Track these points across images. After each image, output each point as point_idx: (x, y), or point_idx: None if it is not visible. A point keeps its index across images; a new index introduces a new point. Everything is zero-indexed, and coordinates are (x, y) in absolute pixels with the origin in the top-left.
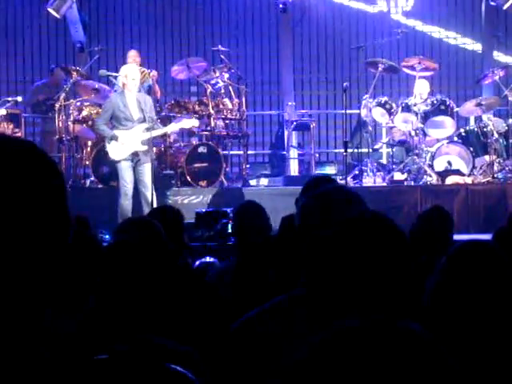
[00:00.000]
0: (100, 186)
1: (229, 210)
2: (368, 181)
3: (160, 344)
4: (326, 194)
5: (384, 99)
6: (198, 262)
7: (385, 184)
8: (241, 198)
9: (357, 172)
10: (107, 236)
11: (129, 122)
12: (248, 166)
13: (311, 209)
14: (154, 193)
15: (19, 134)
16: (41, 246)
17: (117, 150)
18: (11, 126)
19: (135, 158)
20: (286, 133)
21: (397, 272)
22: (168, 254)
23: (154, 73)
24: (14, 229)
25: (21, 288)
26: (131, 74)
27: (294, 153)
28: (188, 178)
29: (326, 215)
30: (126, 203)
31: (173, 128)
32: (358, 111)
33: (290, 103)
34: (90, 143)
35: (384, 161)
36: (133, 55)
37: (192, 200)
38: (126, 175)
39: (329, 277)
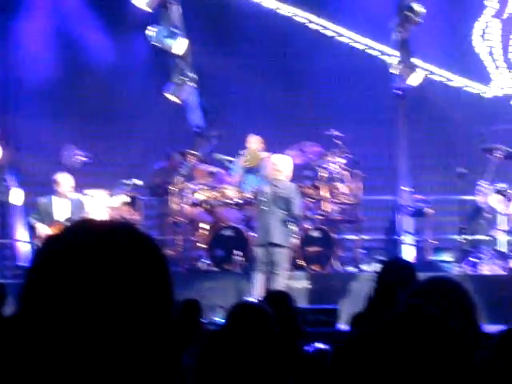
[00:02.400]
0: (214, 268)
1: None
2: (485, 269)
3: None
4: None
5: (502, 186)
6: (310, 348)
7: (503, 273)
8: (353, 283)
9: (473, 259)
10: (219, 319)
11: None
12: (361, 251)
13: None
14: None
15: (137, 217)
16: (146, 329)
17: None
18: (129, 209)
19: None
20: (400, 218)
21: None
22: (277, 340)
23: (268, 155)
24: (122, 314)
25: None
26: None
27: (409, 239)
28: (301, 261)
29: None
30: (260, 288)
31: None
32: (474, 197)
33: (406, 188)
34: (205, 226)
35: (502, 248)
36: (256, 140)
37: (304, 285)
38: (262, 261)
39: None
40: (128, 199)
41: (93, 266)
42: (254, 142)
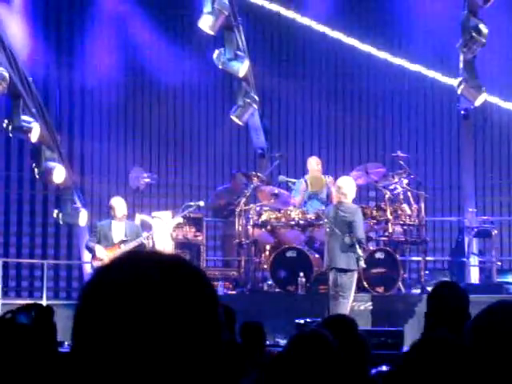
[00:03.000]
0: (278, 290)
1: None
2: None
3: None
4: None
5: None
6: (373, 371)
7: None
8: (418, 305)
9: None
10: (283, 341)
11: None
12: (427, 272)
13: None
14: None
15: (200, 238)
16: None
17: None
18: (193, 230)
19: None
20: (466, 239)
21: None
22: (340, 366)
23: (331, 178)
24: (167, 352)
25: None
26: (341, 185)
27: (474, 260)
28: (365, 283)
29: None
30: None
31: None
32: None
33: (470, 209)
34: (268, 247)
35: None
36: (315, 162)
37: (368, 307)
38: (353, 285)
39: None
40: (181, 220)
41: (137, 301)
42: (313, 164)
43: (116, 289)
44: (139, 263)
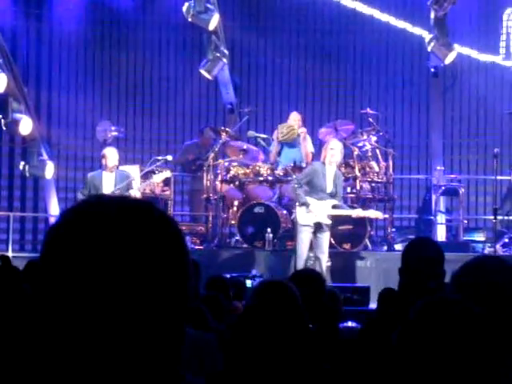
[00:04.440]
0: (245, 245)
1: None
2: None
3: None
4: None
5: None
6: (340, 326)
7: None
8: (384, 262)
9: (506, 240)
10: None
11: (321, 193)
12: (393, 229)
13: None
14: (329, 259)
15: (168, 193)
16: (162, 304)
17: (303, 216)
18: (161, 185)
19: (317, 226)
20: (433, 197)
21: None
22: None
23: (303, 129)
24: (136, 291)
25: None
26: (334, 146)
27: (441, 218)
28: (332, 240)
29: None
30: (301, 265)
31: (358, 213)
32: (508, 177)
33: (438, 167)
34: (236, 203)
35: None
36: (295, 117)
37: (335, 263)
38: (305, 240)
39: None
40: (170, 175)
41: (106, 241)
42: (293, 119)
43: (80, 230)
44: (107, 205)
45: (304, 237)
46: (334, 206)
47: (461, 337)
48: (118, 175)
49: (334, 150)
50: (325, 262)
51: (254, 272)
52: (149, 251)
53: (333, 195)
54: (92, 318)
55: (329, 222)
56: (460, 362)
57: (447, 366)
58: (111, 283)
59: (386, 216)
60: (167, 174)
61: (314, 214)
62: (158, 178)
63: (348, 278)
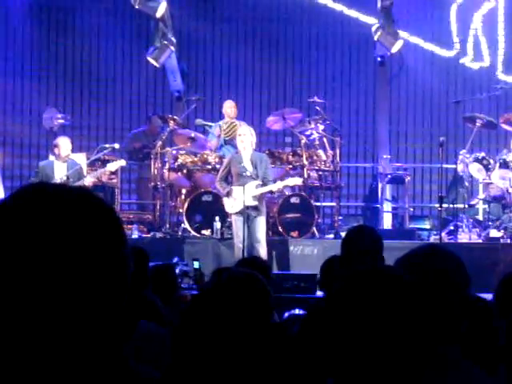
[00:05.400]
0: (193, 234)
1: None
2: (463, 237)
3: None
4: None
5: (481, 155)
6: (286, 314)
7: (480, 241)
8: (331, 249)
9: (452, 228)
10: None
11: (243, 179)
12: (340, 217)
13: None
14: (265, 247)
15: (115, 181)
16: (98, 290)
17: (230, 205)
18: (107, 173)
19: (247, 212)
20: (379, 186)
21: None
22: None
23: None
24: (71, 276)
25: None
26: (242, 132)
27: (387, 206)
28: (279, 228)
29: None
30: (239, 256)
31: (278, 186)
32: (454, 166)
33: (384, 156)
34: (184, 191)
35: (480, 217)
36: (230, 106)
37: (282, 251)
38: (238, 229)
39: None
40: (124, 163)
41: (41, 226)
42: (226, 107)
43: (16, 216)
44: (44, 192)
45: (236, 226)
46: (257, 186)
47: (390, 303)
48: (70, 165)
49: (242, 136)
50: (261, 251)
51: (175, 259)
52: (84, 238)
53: (255, 177)
54: (26, 304)
55: (255, 202)
56: (389, 329)
57: (376, 332)
58: (43, 268)
59: (314, 175)
60: (122, 162)
61: (238, 199)
62: (113, 167)
63: (295, 266)
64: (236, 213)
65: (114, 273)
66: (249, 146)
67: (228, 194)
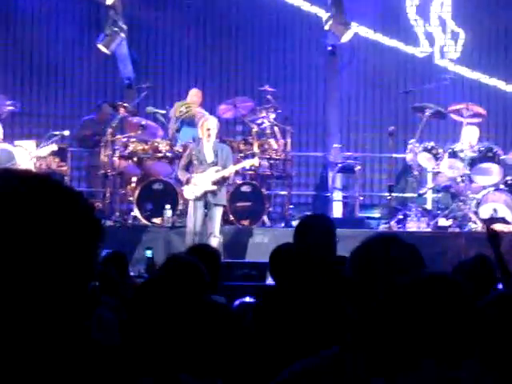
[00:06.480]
0: (143, 222)
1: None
2: (412, 226)
3: (185, 381)
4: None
5: (430, 144)
6: (237, 302)
7: (429, 230)
8: (281, 238)
9: (401, 216)
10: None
11: (203, 166)
12: (291, 206)
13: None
14: (219, 235)
15: (65, 168)
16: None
17: (189, 191)
18: (57, 160)
19: (206, 199)
20: (330, 175)
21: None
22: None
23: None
24: (27, 259)
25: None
26: (211, 126)
27: (337, 195)
28: (230, 216)
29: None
30: (190, 243)
31: (236, 167)
32: (403, 155)
33: (335, 145)
34: (134, 179)
35: (429, 206)
36: (196, 93)
37: (233, 239)
38: (192, 214)
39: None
40: (56, 148)
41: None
42: (194, 95)
43: None
44: (11, 175)
45: (191, 211)
46: (216, 171)
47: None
48: (1, 153)
49: (211, 131)
50: (214, 240)
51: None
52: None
53: (215, 164)
54: None
55: (213, 187)
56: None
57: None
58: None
59: (265, 163)
60: (53, 147)
61: (199, 185)
62: (43, 152)
63: (246, 254)
64: (195, 199)
65: (74, 250)
66: (213, 137)
67: (188, 181)
